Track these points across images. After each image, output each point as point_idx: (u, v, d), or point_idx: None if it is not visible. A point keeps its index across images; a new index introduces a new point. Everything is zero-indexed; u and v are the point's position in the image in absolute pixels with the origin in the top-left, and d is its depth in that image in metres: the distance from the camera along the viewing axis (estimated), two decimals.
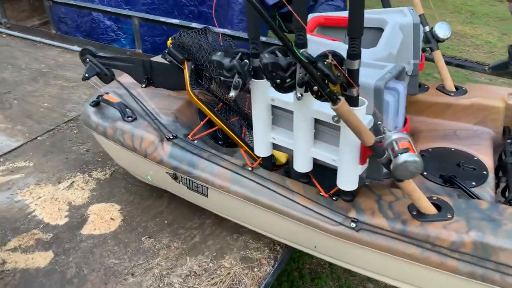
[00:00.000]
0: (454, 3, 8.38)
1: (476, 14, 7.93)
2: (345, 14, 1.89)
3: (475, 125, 1.91)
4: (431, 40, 2.00)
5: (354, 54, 1.12)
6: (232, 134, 1.74)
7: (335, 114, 1.29)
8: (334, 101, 1.09)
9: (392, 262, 1.34)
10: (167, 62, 2.00)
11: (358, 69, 1.15)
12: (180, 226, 1.91)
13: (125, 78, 2.12)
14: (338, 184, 1.40)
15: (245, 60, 1.35)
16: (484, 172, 1.64)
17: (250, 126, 1.86)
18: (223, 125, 1.74)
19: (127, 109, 1.84)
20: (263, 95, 1.43)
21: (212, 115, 1.74)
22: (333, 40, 1.60)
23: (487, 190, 1.56)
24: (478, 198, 1.46)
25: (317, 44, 1.52)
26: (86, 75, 2.06)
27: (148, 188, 2.13)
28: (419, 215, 1.32)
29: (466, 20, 7.60)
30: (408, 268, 1.33)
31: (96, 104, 1.92)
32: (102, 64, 2.08)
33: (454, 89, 1.99)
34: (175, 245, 1.81)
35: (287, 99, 1.39)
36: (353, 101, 1.17)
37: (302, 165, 1.47)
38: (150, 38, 4.10)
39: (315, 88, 1.16)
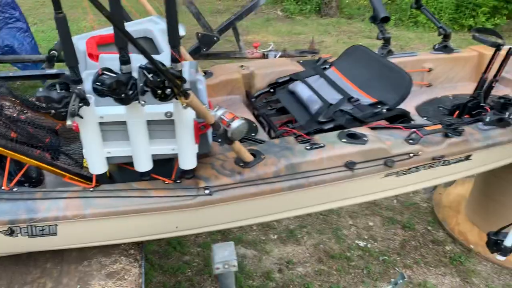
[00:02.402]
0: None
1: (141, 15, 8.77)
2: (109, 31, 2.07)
3: (228, 96, 2.48)
4: None
5: (176, 58, 1.42)
6: (49, 167, 1.72)
7: (167, 111, 1.56)
8: (186, 96, 1.37)
9: (244, 205, 1.76)
10: None
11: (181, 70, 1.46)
12: (22, 284, 1.75)
13: None
14: (182, 166, 1.69)
15: (79, 87, 1.42)
16: (254, 125, 2.24)
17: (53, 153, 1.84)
18: (40, 163, 1.69)
19: None
20: (92, 116, 1.53)
21: (24, 157, 1.67)
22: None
23: (263, 135, 2.16)
24: (264, 141, 2.02)
25: (111, 60, 1.70)
26: None
27: None
28: (246, 164, 1.76)
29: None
30: (256, 204, 1.77)
31: None
32: None
33: (203, 73, 2.49)
34: None
35: (117, 112, 1.55)
36: (187, 94, 1.47)
37: (144, 165, 1.67)
38: None
39: (159, 92, 1.39)
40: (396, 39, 7.85)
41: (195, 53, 4.49)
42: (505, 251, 2.30)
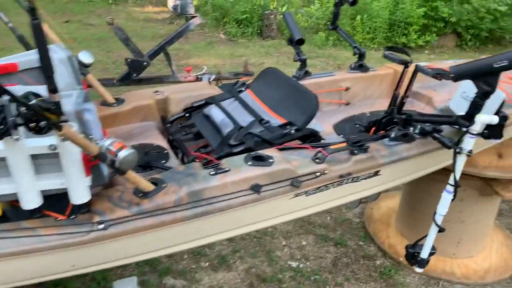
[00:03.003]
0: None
1: (77, 39, 8.63)
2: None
3: (141, 122, 2.42)
4: (80, 67, 2.33)
5: (54, 88, 1.36)
6: None
7: (50, 144, 1.49)
8: (60, 128, 1.30)
9: (145, 237, 1.68)
10: None
11: (59, 101, 1.39)
12: None
13: None
14: (73, 201, 1.60)
15: None
16: (165, 151, 2.18)
17: None
18: None
19: None
20: None
21: None
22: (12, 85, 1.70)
23: (173, 162, 2.11)
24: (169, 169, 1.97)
25: None
26: None
27: None
28: (145, 195, 1.70)
29: (72, 46, 8.16)
30: (159, 235, 1.70)
31: None
32: None
33: (114, 101, 2.42)
34: None
35: None
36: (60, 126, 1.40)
37: (31, 202, 1.57)
38: None
39: (32, 125, 1.32)
40: (334, 58, 8.11)
41: (126, 79, 4.40)
42: (422, 263, 2.35)
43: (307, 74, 2.91)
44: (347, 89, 3.00)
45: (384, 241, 3.37)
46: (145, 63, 4.60)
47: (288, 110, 2.25)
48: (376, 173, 2.16)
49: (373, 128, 2.57)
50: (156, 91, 2.52)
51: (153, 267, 3.02)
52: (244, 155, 1.94)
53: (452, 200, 2.20)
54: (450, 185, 2.17)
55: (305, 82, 2.92)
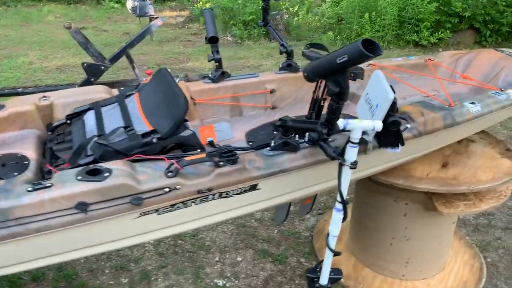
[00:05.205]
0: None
1: None
2: None
3: (20, 131, 2.25)
4: None
5: None
6: None
7: None
8: None
9: None
10: None
11: None
12: None
13: None
14: None
15: None
16: (26, 162, 2.00)
17: None
18: None
19: None
20: None
21: None
22: None
23: (27, 174, 1.91)
24: None
25: None
26: None
27: None
28: None
29: None
30: None
31: None
32: None
33: None
34: None
35: None
36: None
37: None
38: None
39: None
40: None
41: (86, 84, 4.30)
42: None
43: (223, 75, 2.66)
44: (271, 91, 2.71)
45: None
46: (103, 67, 4.47)
47: (157, 116, 2.01)
48: (253, 187, 1.88)
49: (293, 134, 2.28)
50: (44, 96, 2.34)
51: (69, 281, 2.86)
52: (79, 168, 1.71)
53: (343, 219, 1.88)
54: (339, 202, 1.85)
55: (224, 84, 2.68)
